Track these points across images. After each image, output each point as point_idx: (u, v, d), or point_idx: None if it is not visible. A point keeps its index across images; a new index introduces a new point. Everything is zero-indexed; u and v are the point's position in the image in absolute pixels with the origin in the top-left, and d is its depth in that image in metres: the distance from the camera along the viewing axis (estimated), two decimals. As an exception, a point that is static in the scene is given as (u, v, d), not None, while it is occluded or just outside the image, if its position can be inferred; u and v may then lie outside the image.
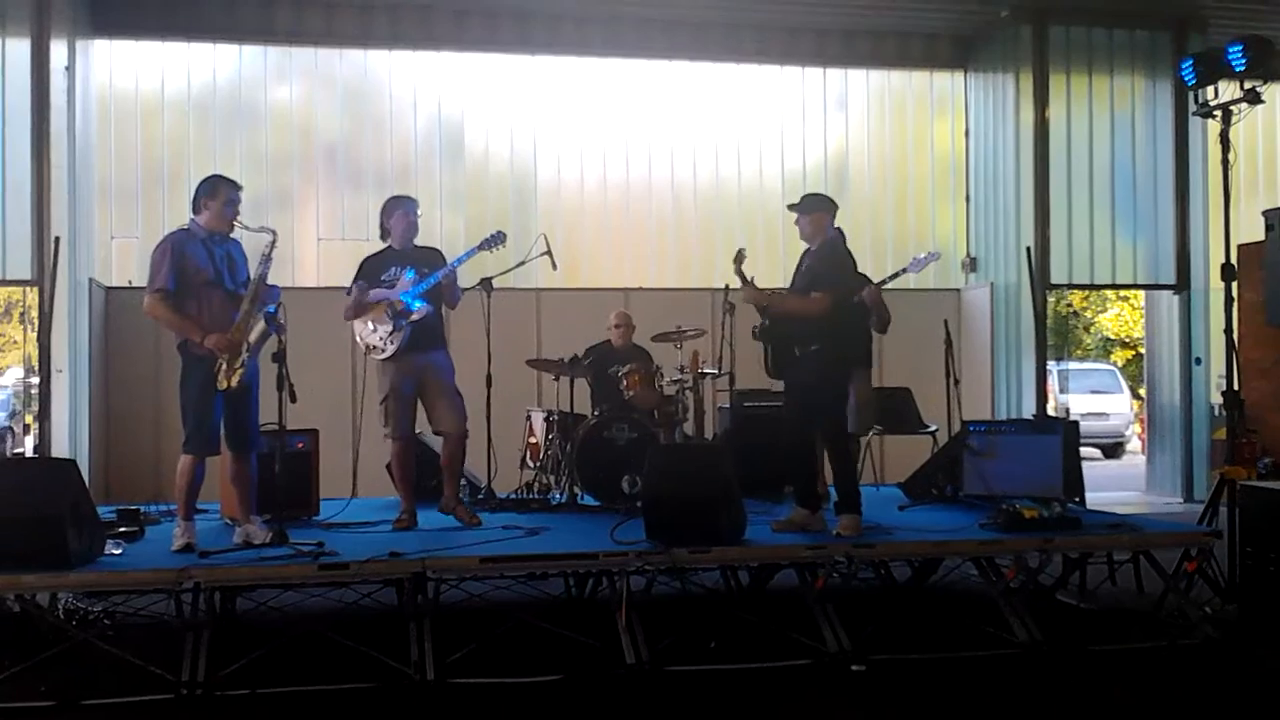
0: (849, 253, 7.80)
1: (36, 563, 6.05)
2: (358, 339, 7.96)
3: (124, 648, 6.25)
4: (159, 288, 6.87)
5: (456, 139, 14.23)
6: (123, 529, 7.41)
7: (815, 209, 7.70)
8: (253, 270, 7.08)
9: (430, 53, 14.10)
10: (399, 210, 8.02)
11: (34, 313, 11.97)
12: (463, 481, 8.40)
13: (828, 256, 7.63)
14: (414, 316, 7.73)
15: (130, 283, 12.79)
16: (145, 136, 13.53)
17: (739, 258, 7.95)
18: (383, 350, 7.83)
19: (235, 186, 7.15)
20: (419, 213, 8.13)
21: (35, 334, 11.62)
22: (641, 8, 14.04)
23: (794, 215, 7.77)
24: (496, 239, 7.99)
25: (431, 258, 7.98)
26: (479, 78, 14.25)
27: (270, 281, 7.06)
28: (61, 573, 6.13)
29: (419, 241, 8.12)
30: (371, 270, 7.98)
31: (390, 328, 7.78)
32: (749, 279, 7.91)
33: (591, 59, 14.50)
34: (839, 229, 7.75)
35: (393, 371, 7.86)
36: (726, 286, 8.82)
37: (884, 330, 8.84)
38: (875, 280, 8.89)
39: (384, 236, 8.07)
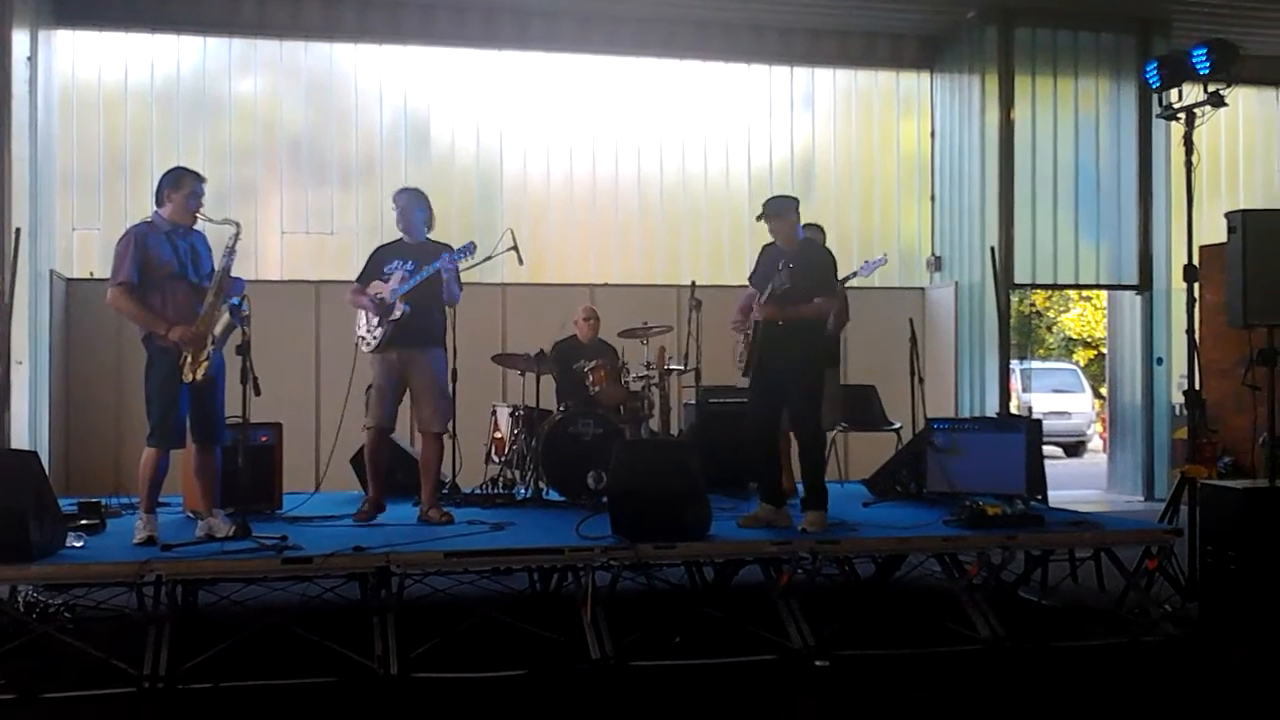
0: (833, 256, 7.83)
1: (-4, 555, 5.98)
2: (355, 328, 8.05)
3: (85, 641, 6.21)
4: (122, 280, 6.81)
5: (422, 133, 14.17)
6: (84, 522, 7.33)
7: (782, 211, 7.70)
8: (217, 263, 7.03)
9: (397, 46, 14.03)
10: (399, 203, 8.04)
11: (-6, 304, 11.86)
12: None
13: (817, 260, 7.66)
14: (393, 316, 7.71)
15: (92, 274, 12.67)
16: (108, 128, 13.41)
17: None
18: (366, 344, 7.89)
19: (199, 178, 7.09)
20: (413, 206, 8.04)
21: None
22: (610, 4, 14.03)
23: (764, 223, 7.77)
24: (468, 249, 7.93)
25: (435, 254, 7.90)
26: (446, 72, 14.19)
27: (234, 274, 7.01)
28: (22, 565, 6.08)
29: (435, 236, 8.14)
30: (377, 261, 8.05)
31: (375, 321, 7.83)
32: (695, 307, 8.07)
33: (559, 55, 14.45)
34: (816, 225, 7.77)
35: (378, 364, 7.90)
36: (693, 283, 8.85)
37: (838, 330, 8.86)
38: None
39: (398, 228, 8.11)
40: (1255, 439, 8.28)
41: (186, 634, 6.31)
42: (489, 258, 8.76)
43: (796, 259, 7.55)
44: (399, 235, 8.09)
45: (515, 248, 8.51)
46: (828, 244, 8.51)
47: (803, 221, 7.97)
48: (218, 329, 6.81)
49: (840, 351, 8.81)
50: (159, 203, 7.03)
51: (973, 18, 14.35)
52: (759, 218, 7.73)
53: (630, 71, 14.69)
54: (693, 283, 8.95)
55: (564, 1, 13.97)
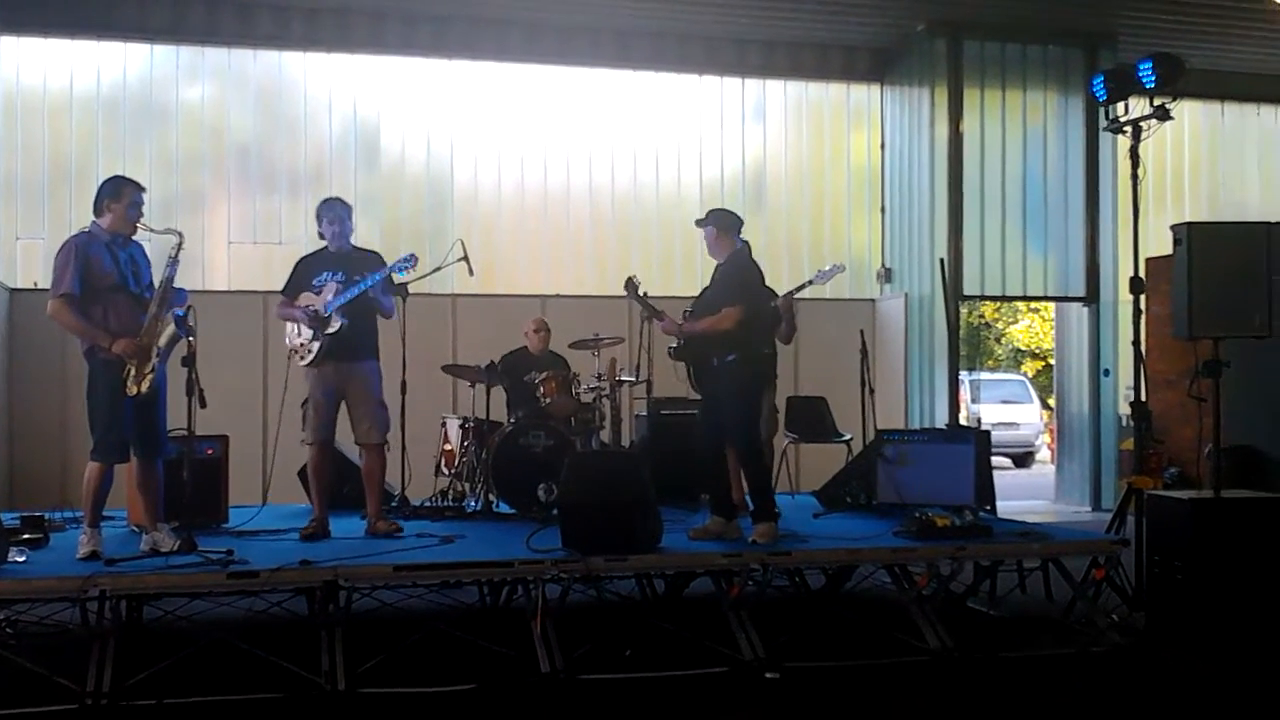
0: (755, 264, 7.89)
1: (-65, 570, 5.90)
2: (285, 339, 7.91)
3: (27, 657, 6.12)
4: (64, 292, 6.72)
5: (372, 143, 14.10)
6: (27, 536, 7.24)
7: (714, 222, 7.81)
8: (158, 273, 6.95)
9: (346, 55, 13.96)
10: (326, 215, 7.93)
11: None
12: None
13: (732, 270, 7.72)
14: (331, 330, 7.64)
15: (36, 284, 12.51)
16: (53, 135, 13.25)
17: (633, 287, 8.30)
18: (302, 357, 7.78)
19: (139, 188, 7.01)
20: (347, 216, 7.97)
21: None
22: (562, 14, 14.00)
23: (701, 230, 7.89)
24: (408, 261, 7.88)
25: (366, 264, 7.87)
26: (396, 81, 14.14)
27: (178, 284, 6.93)
28: (-38, 580, 5.99)
29: (358, 243, 8.06)
30: (304, 272, 7.91)
31: (309, 334, 7.73)
32: (647, 301, 8.31)
33: (510, 64, 14.41)
34: (745, 241, 7.82)
35: (312, 378, 7.79)
36: (645, 293, 8.83)
37: (788, 341, 8.86)
38: (783, 292, 8.90)
39: (321, 238, 7.99)
40: (1201, 450, 8.34)
41: (131, 650, 6.24)
42: (439, 268, 8.73)
43: (720, 271, 7.76)
44: (322, 245, 7.99)
45: (465, 258, 8.47)
46: (776, 255, 8.59)
47: (745, 237, 8.02)
48: (162, 341, 6.73)
49: (775, 368, 8.76)
50: (98, 212, 6.92)
51: (922, 30, 14.46)
52: (697, 221, 7.91)
53: (582, 82, 14.68)
54: (645, 293, 8.92)
55: (514, 11, 13.94)
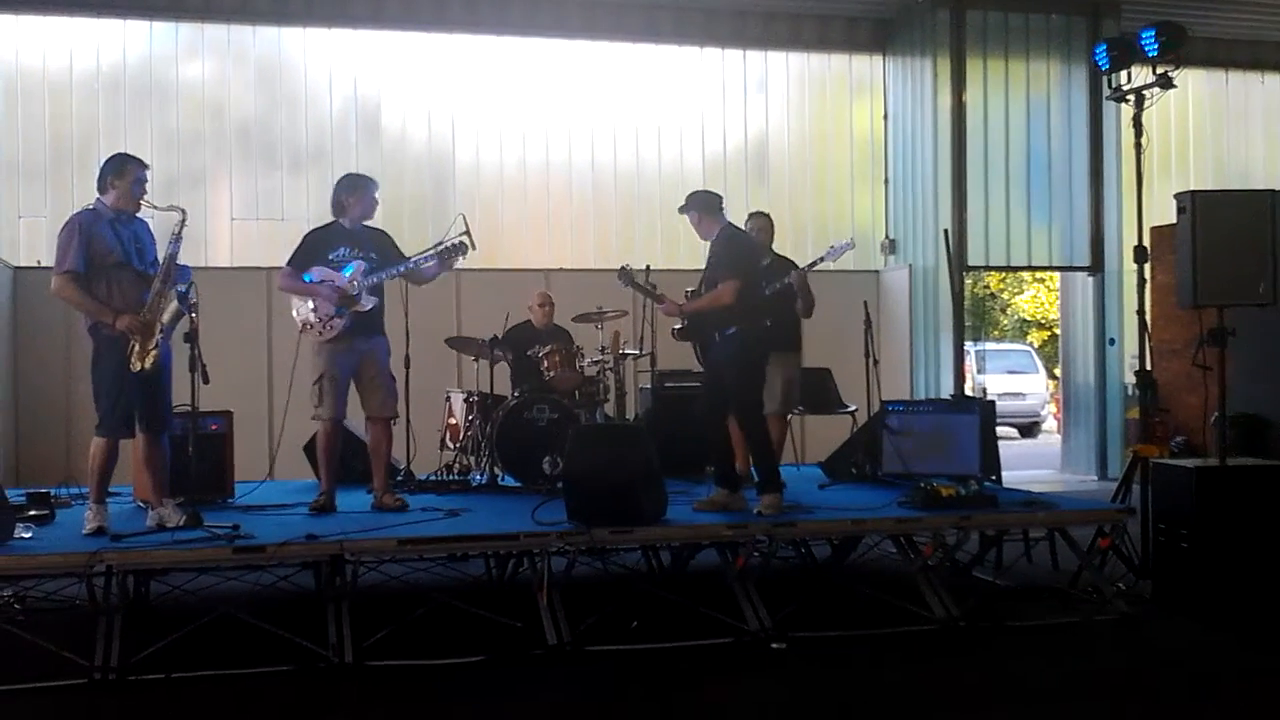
0: (747, 235, 7.95)
1: (-58, 547, 5.92)
2: (293, 313, 7.79)
3: (35, 633, 6.14)
4: (68, 269, 6.72)
5: (373, 118, 14.07)
6: (33, 512, 7.25)
7: (694, 206, 7.83)
8: (162, 250, 6.94)
9: (346, 30, 13.92)
10: (364, 189, 7.87)
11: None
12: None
13: (724, 246, 7.72)
14: (362, 307, 7.63)
15: (39, 263, 12.49)
16: (53, 114, 13.23)
17: (627, 275, 8.29)
18: (319, 332, 7.67)
19: (142, 165, 6.99)
20: (376, 194, 7.97)
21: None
22: (561, -13, 13.98)
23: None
24: (460, 249, 7.90)
25: (381, 242, 7.88)
26: (396, 56, 14.10)
27: (181, 261, 6.93)
28: (-30, 557, 6.01)
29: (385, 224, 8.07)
30: (316, 246, 7.81)
31: (332, 312, 7.63)
32: (650, 286, 8.28)
33: (510, 38, 14.38)
34: (763, 214, 7.83)
35: (330, 353, 7.68)
36: (647, 267, 8.84)
37: (808, 314, 8.86)
38: (800, 265, 8.92)
39: (337, 213, 7.88)
40: (1207, 418, 8.34)
41: (138, 625, 6.25)
42: (441, 243, 8.70)
43: (712, 250, 7.75)
44: (331, 219, 7.95)
45: (468, 233, 8.43)
46: (783, 228, 8.67)
47: (752, 209, 8.03)
48: (165, 317, 6.72)
49: (798, 339, 8.80)
50: (102, 190, 6.92)
51: (925, 1, 14.38)
52: (680, 209, 7.91)
53: (582, 56, 14.66)
54: (647, 266, 8.89)
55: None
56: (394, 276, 7.78)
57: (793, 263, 8.81)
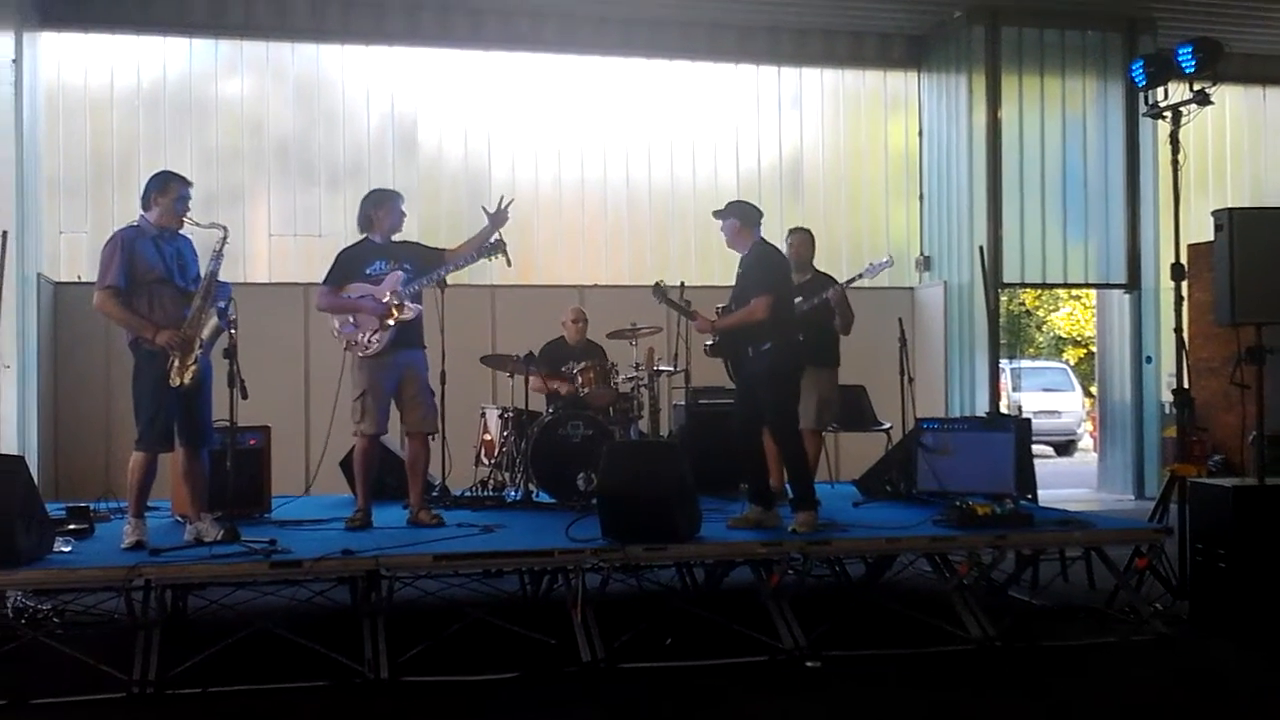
0: (778, 253, 7.92)
1: (-16, 560, 5.97)
2: (334, 333, 7.83)
3: (74, 646, 6.19)
4: (109, 284, 6.80)
5: (410, 135, 14.15)
6: (72, 526, 7.32)
7: (734, 214, 7.83)
8: (203, 267, 7.02)
9: (383, 47, 14.02)
10: (390, 203, 7.93)
11: (-19, 308, 11.81)
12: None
13: (756, 261, 7.72)
14: (405, 317, 7.67)
15: (79, 278, 12.64)
16: (94, 130, 13.37)
17: (660, 291, 8.30)
18: (365, 347, 7.68)
19: (185, 182, 7.09)
20: (403, 209, 8.04)
21: (-18, 330, 11.47)
22: (596, 5, 14.03)
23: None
24: (497, 246, 7.95)
25: (415, 253, 7.94)
26: (433, 73, 14.19)
27: (221, 278, 6.99)
28: (10, 571, 6.07)
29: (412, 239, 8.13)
30: (352, 263, 7.85)
31: (375, 326, 7.67)
32: (684, 303, 8.26)
33: (546, 55, 14.46)
34: (804, 230, 7.81)
35: (373, 368, 7.70)
36: (682, 284, 8.86)
37: (847, 331, 8.87)
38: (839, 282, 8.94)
39: (365, 228, 7.93)
40: (1245, 437, 8.28)
41: (175, 639, 6.30)
42: (477, 259, 8.75)
43: (744, 265, 7.77)
44: (362, 236, 7.99)
45: (504, 250, 8.47)
46: (817, 245, 8.71)
47: (790, 225, 8.02)
48: (205, 333, 6.79)
49: (838, 353, 8.81)
50: (145, 207, 7.02)
51: (960, 17, 14.38)
52: (715, 213, 7.91)
53: (617, 72, 14.72)
54: (681, 283, 8.93)
55: (549, 2, 13.96)
56: (436, 280, 7.83)
57: (832, 279, 8.83)
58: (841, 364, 8.98)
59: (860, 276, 9.15)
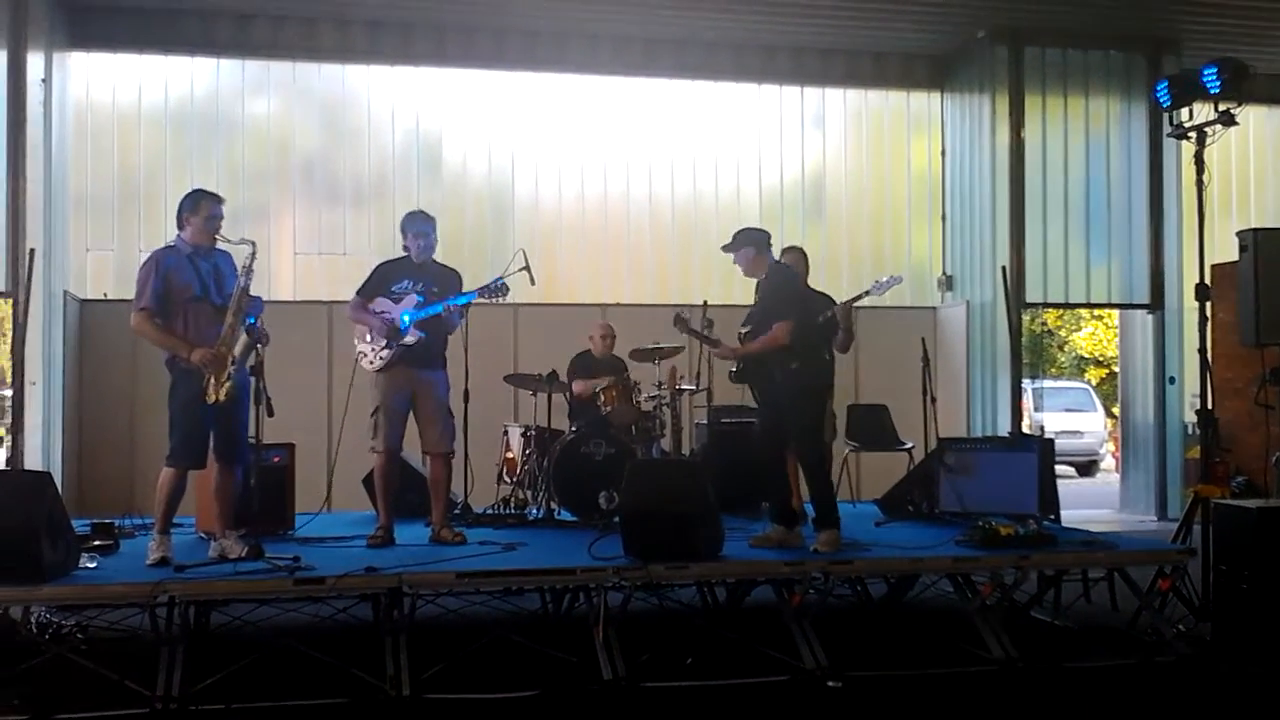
0: (793, 274, 8.00)
1: (10, 576, 6.00)
2: (354, 341, 7.98)
3: (98, 662, 6.22)
4: (144, 306, 6.88)
5: (434, 154, 14.22)
6: (97, 542, 7.36)
7: (747, 243, 7.89)
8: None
9: (408, 68, 14.09)
10: (411, 229, 8.01)
11: (8, 325, 11.92)
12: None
13: (775, 286, 7.77)
14: (405, 340, 7.72)
15: (106, 295, 12.74)
16: (121, 149, 13.47)
17: (682, 321, 8.36)
18: (370, 361, 7.82)
19: (217, 200, 7.18)
20: (431, 229, 8.05)
21: (9, 346, 11.55)
22: (619, 25, 14.06)
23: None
24: (496, 288, 7.98)
25: (445, 279, 7.99)
26: (457, 93, 14.25)
27: (252, 293, 7.05)
28: (35, 586, 6.09)
29: (439, 258, 8.14)
30: (384, 278, 7.98)
31: (383, 342, 7.77)
32: (705, 332, 8.32)
33: (569, 75, 14.52)
34: (797, 248, 7.81)
35: (384, 383, 7.80)
36: (705, 302, 8.87)
37: (845, 349, 8.80)
38: (839, 300, 8.88)
39: (406, 250, 8.06)
40: (1269, 458, 8.25)
41: (199, 655, 6.32)
42: (500, 278, 8.78)
43: (762, 290, 7.82)
44: (404, 254, 8.07)
45: (527, 267, 8.50)
46: (837, 263, 8.66)
47: (812, 245, 8.02)
48: (238, 349, 6.83)
49: (833, 375, 8.74)
50: (180, 226, 7.12)
51: (983, 37, 14.37)
52: (724, 248, 7.98)
53: (641, 92, 14.75)
54: (704, 302, 8.94)
55: (572, 22, 14.01)
56: (432, 315, 7.79)
57: (830, 298, 8.76)
58: (863, 384, 8.99)
59: (867, 293, 9.12)
